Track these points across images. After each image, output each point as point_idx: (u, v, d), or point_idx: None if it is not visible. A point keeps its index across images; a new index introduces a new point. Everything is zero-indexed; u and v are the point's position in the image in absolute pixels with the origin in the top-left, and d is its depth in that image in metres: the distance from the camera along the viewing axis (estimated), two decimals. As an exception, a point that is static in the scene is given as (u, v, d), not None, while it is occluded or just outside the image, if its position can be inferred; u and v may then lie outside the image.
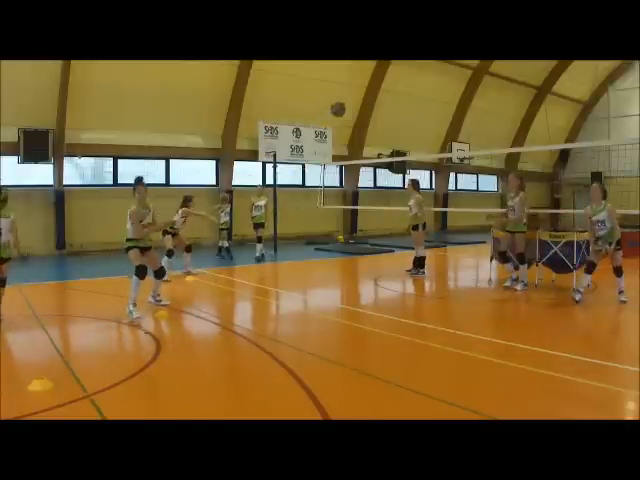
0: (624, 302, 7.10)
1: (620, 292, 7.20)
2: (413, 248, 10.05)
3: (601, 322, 6.71)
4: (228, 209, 12.86)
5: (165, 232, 9.33)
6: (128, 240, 6.61)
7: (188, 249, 9.85)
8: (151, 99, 14.66)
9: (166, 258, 9.28)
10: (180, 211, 9.77)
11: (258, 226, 12.61)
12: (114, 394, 3.99)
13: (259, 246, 12.50)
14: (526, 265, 8.35)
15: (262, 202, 12.61)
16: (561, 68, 23.11)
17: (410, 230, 10.03)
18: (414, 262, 9.96)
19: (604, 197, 7.17)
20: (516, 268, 8.55)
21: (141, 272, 6.44)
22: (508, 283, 8.44)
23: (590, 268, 7.11)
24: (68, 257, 13.65)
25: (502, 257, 8.57)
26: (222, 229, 12.86)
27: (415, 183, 10.18)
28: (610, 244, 6.95)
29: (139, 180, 6.80)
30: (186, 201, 9.97)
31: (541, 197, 26.38)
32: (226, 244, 12.85)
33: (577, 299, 7.12)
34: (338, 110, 11.91)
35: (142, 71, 13.72)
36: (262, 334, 6.09)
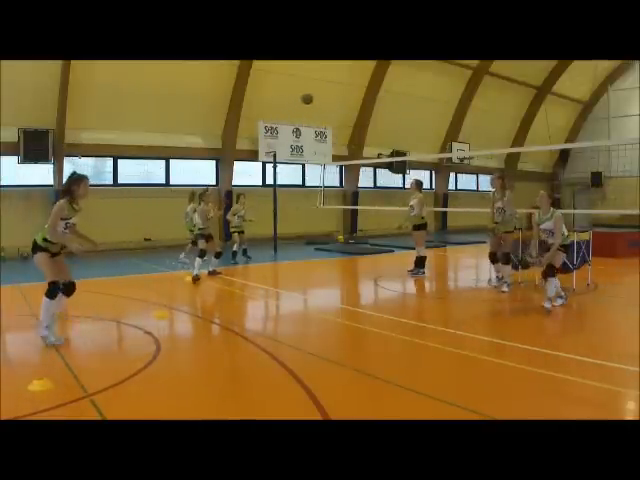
0: (548, 310, 6.65)
1: (548, 299, 6.73)
2: (413, 248, 10.07)
3: (601, 322, 6.71)
4: (243, 212, 12.16)
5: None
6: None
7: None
8: (151, 99, 14.66)
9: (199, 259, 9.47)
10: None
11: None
12: (114, 394, 3.99)
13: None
14: (510, 265, 8.36)
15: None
16: (561, 68, 23.13)
17: (412, 230, 10.02)
18: (416, 262, 9.98)
19: (553, 205, 6.92)
20: (515, 268, 8.53)
21: None
22: (504, 287, 8.34)
23: (550, 272, 6.67)
24: (68, 257, 13.60)
25: (492, 258, 8.52)
26: (234, 232, 12.23)
27: (418, 183, 10.21)
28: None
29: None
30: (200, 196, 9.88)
31: (541, 197, 26.37)
32: (244, 246, 12.30)
33: (548, 307, 6.68)
34: (306, 99, 12.90)
35: (142, 71, 13.72)
36: (262, 334, 6.09)
